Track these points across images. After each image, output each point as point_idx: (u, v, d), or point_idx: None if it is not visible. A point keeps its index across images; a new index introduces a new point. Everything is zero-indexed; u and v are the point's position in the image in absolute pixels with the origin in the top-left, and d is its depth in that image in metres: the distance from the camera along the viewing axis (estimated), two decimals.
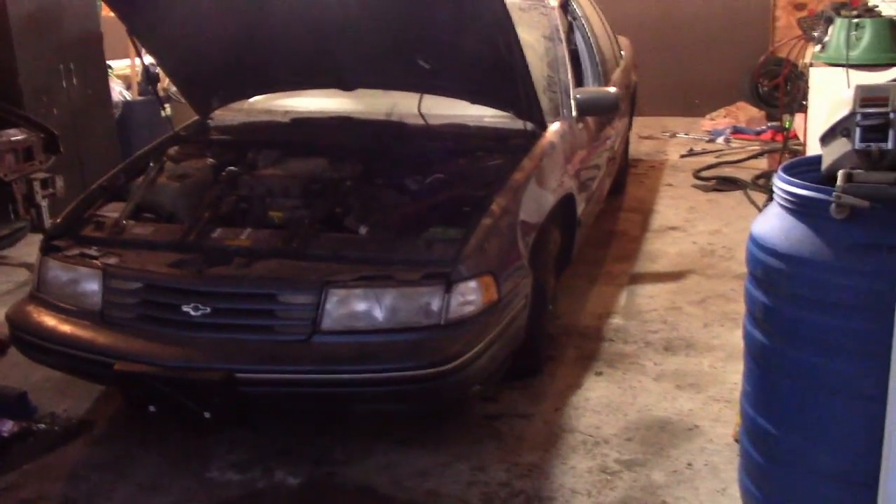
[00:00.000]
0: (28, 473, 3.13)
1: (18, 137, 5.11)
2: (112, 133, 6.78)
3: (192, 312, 3.00)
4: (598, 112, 4.37)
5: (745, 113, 8.53)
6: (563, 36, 4.41)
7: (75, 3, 6.26)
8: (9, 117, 5.25)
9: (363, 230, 3.26)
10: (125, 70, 7.88)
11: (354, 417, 3.37)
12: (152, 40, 3.99)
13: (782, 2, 8.92)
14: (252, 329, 3.02)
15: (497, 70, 3.49)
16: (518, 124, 3.80)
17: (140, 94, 7.66)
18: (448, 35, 3.47)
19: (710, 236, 5.50)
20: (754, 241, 2.38)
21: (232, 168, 3.70)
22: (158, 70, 4.41)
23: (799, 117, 6.28)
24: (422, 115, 3.87)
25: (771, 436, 2.41)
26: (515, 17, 3.36)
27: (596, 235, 5.27)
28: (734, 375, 3.48)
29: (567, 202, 3.90)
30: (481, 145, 3.78)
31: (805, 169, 2.41)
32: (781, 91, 7.23)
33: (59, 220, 3.53)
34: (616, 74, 5.52)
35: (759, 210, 5.75)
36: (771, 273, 2.31)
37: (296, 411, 3.37)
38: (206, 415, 2.89)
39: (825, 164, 2.30)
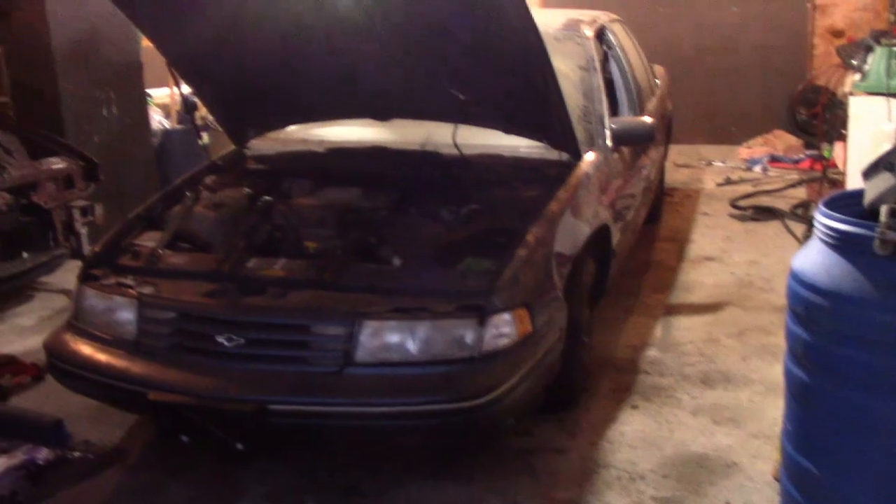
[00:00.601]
0: (63, 500, 3.14)
1: (59, 166, 5.21)
2: (151, 161, 6.87)
3: (226, 343, 3.00)
4: (634, 142, 4.35)
5: (783, 141, 8.44)
6: (598, 65, 4.40)
7: (116, 33, 6.36)
8: (50, 146, 5.34)
9: (397, 261, 3.25)
10: (164, 99, 7.98)
11: (386, 449, 3.35)
12: (191, 71, 4.05)
13: (820, 30, 8.85)
14: (285, 360, 3.01)
15: (532, 100, 3.49)
16: (553, 154, 3.80)
17: (179, 123, 7.75)
18: (482, 65, 3.47)
19: (747, 267, 5.42)
20: (795, 277, 2.34)
21: (267, 197, 3.72)
22: (196, 99, 4.46)
23: (838, 146, 6.22)
24: (456, 146, 3.86)
25: (812, 476, 2.35)
26: (550, 46, 3.35)
27: (631, 265, 5.22)
28: (773, 410, 3.41)
29: (602, 233, 3.87)
30: (516, 175, 3.77)
31: (847, 203, 2.36)
32: (820, 119, 7.17)
33: (97, 249, 3.58)
34: (651, 103, 5.50)
35: (798, 240, 5.66)
36: (812, 310, 2.26)
37: (328, 443, 3.36)
38: (239, 446, 2.89)
39: (868, 199, 2.26)
